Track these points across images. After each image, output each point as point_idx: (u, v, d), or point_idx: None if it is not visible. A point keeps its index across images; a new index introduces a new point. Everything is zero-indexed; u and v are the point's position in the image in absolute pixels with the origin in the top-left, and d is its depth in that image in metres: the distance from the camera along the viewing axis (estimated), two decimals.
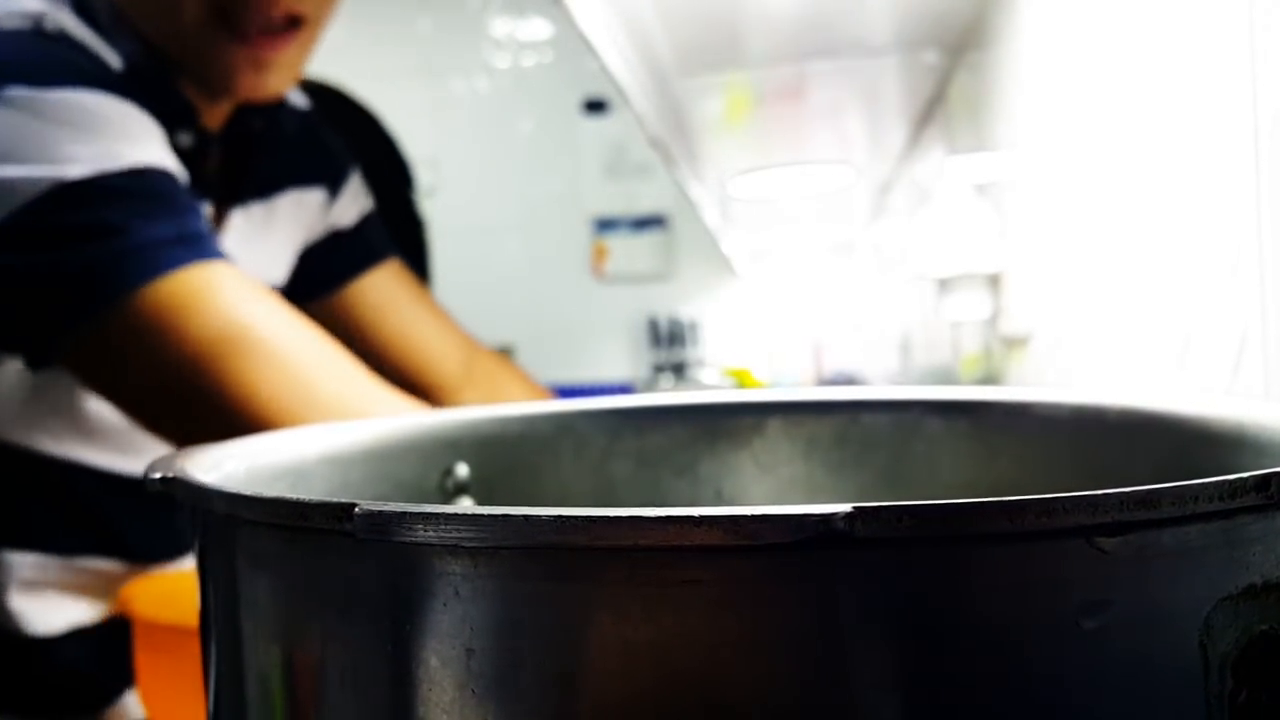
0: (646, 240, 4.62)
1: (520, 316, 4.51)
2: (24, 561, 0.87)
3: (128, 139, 0.74)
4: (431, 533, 0.22)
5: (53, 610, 0.88)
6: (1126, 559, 0.21)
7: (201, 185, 0.87)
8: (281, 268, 1.01)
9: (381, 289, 1.07)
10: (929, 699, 0.21)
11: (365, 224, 1.08)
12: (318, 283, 1.04)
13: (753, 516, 0.20)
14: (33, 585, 0.87)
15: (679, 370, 4.50)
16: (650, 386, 4.25)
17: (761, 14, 1.44)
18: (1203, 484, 0.21)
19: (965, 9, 1.48)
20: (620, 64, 1.39)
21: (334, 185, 1.05)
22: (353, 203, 1.07)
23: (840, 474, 0.52)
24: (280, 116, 0.97)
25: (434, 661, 0.22)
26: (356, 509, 0.22)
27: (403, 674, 0.23)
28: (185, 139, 0.85)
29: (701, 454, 0.53)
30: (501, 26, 4.45)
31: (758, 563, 0.21)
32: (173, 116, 0.83)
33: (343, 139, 1.11)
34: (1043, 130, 1.25)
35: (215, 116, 0.90)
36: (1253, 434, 0.35)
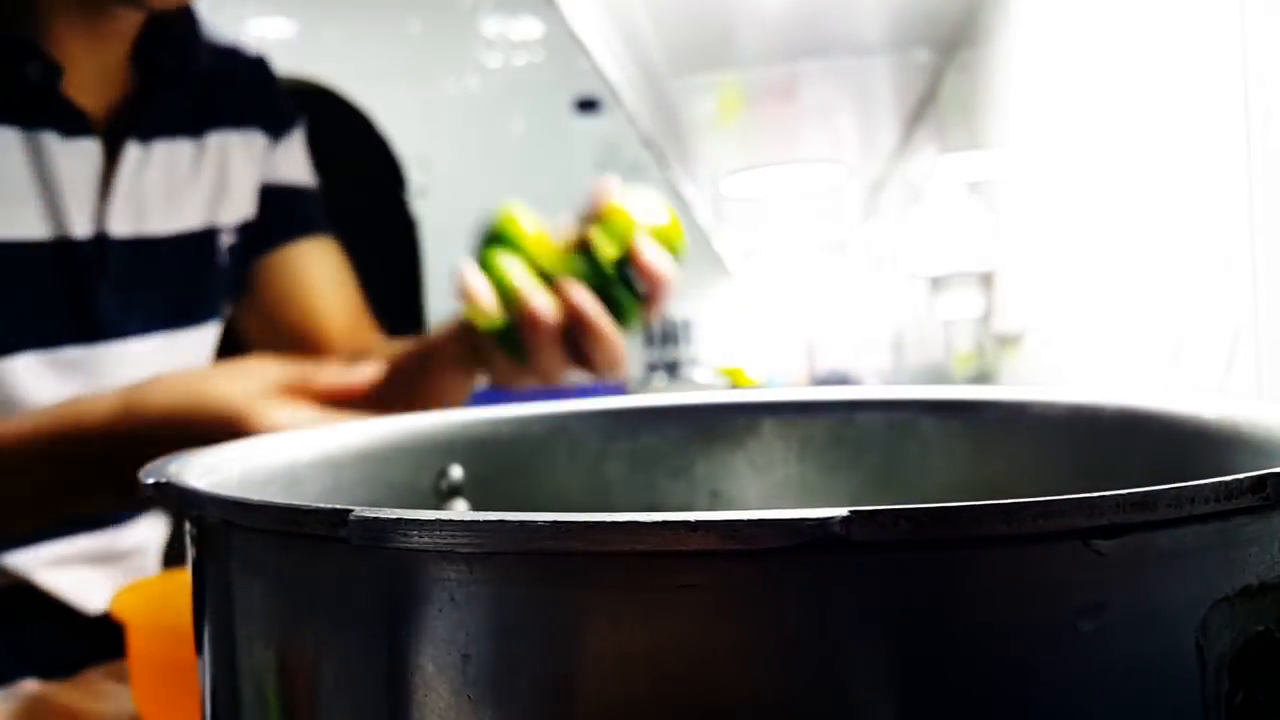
0: None
1: None
2: None
3: None
4: (426, 538, 0.21)
5: None
6: (1123, 561, 0.21)
7: (69, 122, 0.83)
8: (241, 205, 0.97)
9: (307, 265, 1.02)
10: (926, 703, 0.21)
11: (304, 193, 1.03)
12: (252, 246, 1.00)
13: (748, 521, 0.20)
14: None
15: (672, 369, 4.51)
16: (644, 385, 4.25)
17: (753, 14, 1.45)
18: (1199, 485, 0.21)
19: (956, 8, 1.49)
20: (612, 63, 1.39)
21: (274, 133, 0.99)
22: (294, 164, 1.02)
23: (834, 474, 0.52)
24: (199, 54, 0.92)
25: (429, 667, 0.22)
26: (351, 515, 0.22)
27: (398, 680, 0.23)
28: (36, 70, 0.80)
29: (696, 455, 0.53)
30: (493, 26, 4.44)
31: (754, 567, 0.21)
32: (12, 47, 0.79)
33: (331, 138, 1.10)
34: (1034, 129, 1.25)
35: (77, 44, 0.83)
36: (1248, 433, 0.35)
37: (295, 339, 1.00)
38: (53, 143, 0.82)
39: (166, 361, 0.89)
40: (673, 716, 0.21)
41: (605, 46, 1.35)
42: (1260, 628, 0.22)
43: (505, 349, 0.76)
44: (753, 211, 3.14)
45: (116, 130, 0.87)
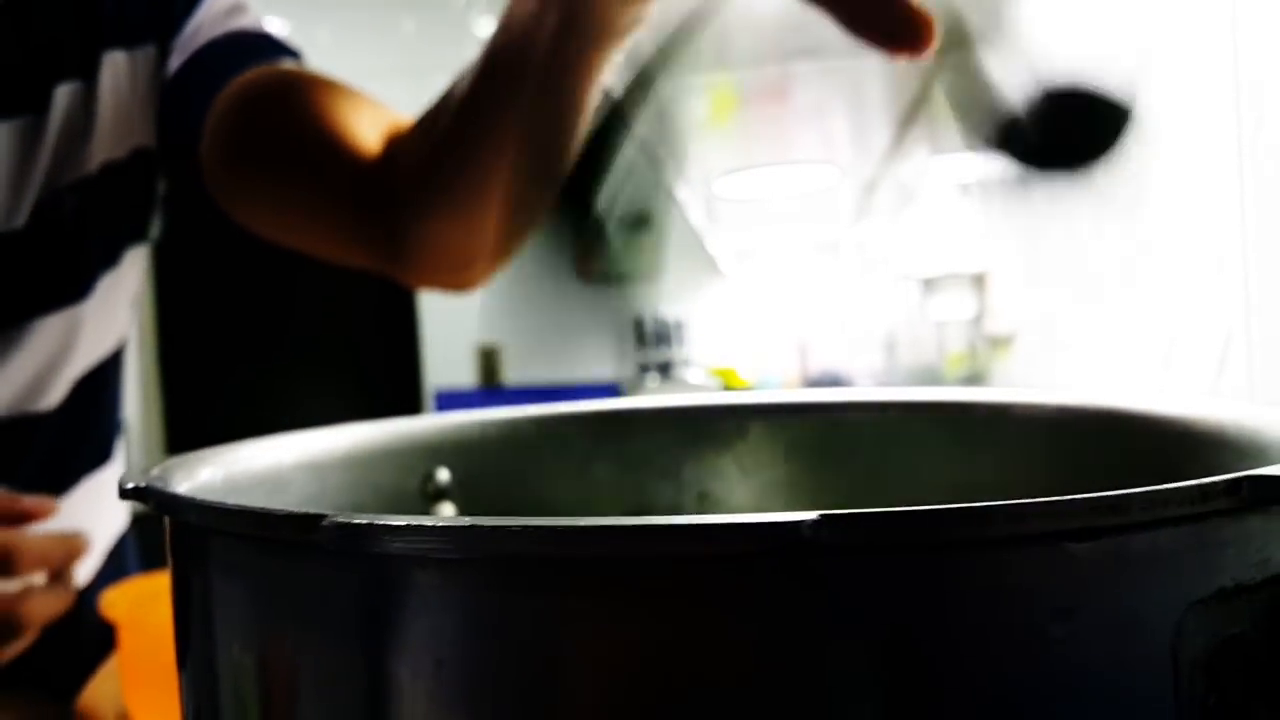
0: (632, 240, 4.61)
1: (506, 316, 4.50)
2: None
3: None
4: (401, 544, 0.21)
5: None
6: (1096, 564, 0.21)
7: None
8: (107, 145, 0.79)
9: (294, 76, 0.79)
10: (900, 707, 0.21)
11: (244, 35, 0.82)
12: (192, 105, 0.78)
13: (721, 526, 0.20)
14: None
15: (665, 370, 4.51)
16: (636, 386, 4.25)
17: (745, 15, 1.45)
18: (1173, 488, 0.21)
19: (950, 9, 1.49)
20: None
21: (164, 38, 0.80)
22: (213, 25, 0.81)
23: (823, 476, 0.52)
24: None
25: (405, 673, 0.22)
26: (324, 520, 0.22)
27: (374, 686, 0.23)
28: None
29: (684, 457, 0.53)
30: (486, 26, 4.43)
31: (728, 572, 0.21)
32: None
33: None
34: None
35: None
36: (1233, 435, 0.35)
37: (310, 159, 0.74)
38: None
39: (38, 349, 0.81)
40: None
41: None
42: (1235, 630, 0.22)
43: None
44: (745, 212, 3.14)
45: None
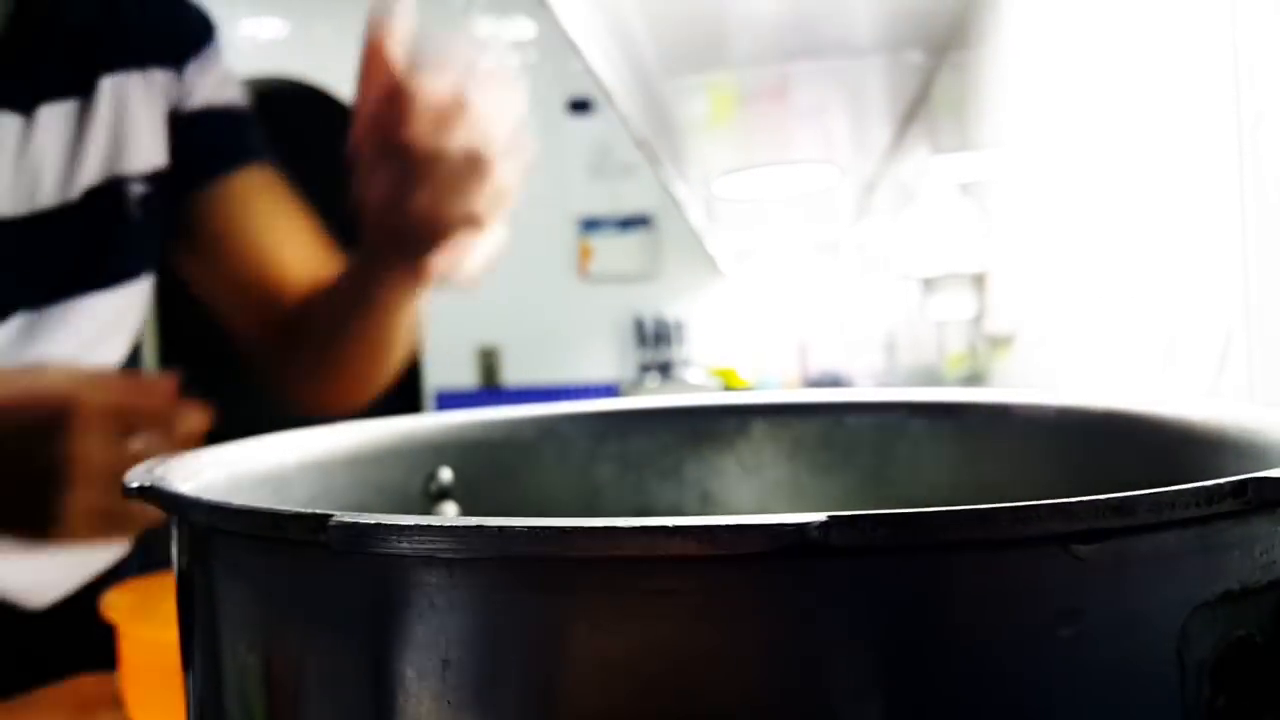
0: (632, 240, 4.62)
1: (506, 317, 4.50)
2: None
3: None
4: (407, 544, 0.21)
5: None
6: (1103, 566, 0.21)
7: None
8: (147, 153, 0.88)
9: (239, 200, 0.93)
10: (905, 708, 0.21)
11: (231, 118, 0.94)
12: (182, 174, 0.91)
13: (727, 527, 0.20)
14: None
15: (665, 370, 4.51)
16: (636, 386, 4.25)
17: (746, 15, 1.45)
18: (1179, 490, 0.21)
19: (948, 10, 1.49)
20: (605, 64, 1.39)
21: (178, 61, 0.90)
22: (211, 86, 0.92)
23: (825, 476, 0.52)
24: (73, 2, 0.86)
25: (410, 673, 0.22)
26: (331, 520, 0.22)
27: (380, 685, 0.23)
28: None
29: (686, 457, 0.53)
30: (485, 26, 4.44)
31: (733, 572, 0.21)
32: None
33: (323, 138, 1.05)
34: (1027, 130, 1.25)
35: None
36: (1234, 436, 0.35)
37: (245, 281, 0.92)
38: None
39: (85, 330, 0.85)
40: None
41: (598, 47, 1.35)
42: (1241, 632, 0.22)
43: None
44: (745, 212, 3.14)
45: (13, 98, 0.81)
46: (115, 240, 0.88)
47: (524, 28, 4.46)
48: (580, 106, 4.49)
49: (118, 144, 0.86)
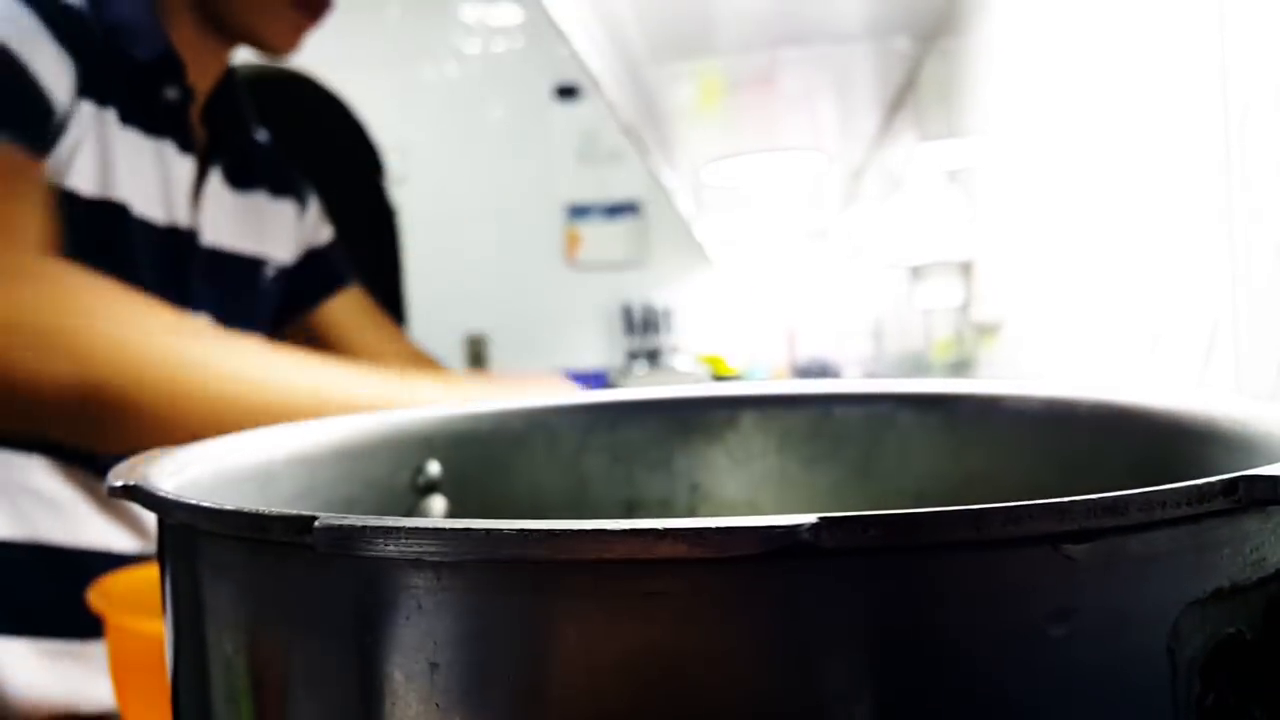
0: (620, 227, 4.61)
1: (493, 305, 4.50)
2: None
3: None
4: (393, 546, 0.21)
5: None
6: (1094, 565, 0.21)
7: (185, 139, 0.96)
8: (280, 251, 1.09)
9: (348, 311, 1.15)
10: (897, 708, 0.21)
11: (333, 248, 1.16)
12: (294, 301, 1.12)
13: (717, 529, 0.20)
14: None
15: (653, 357, 4.51)
16: (624, 374, 4.25)
17: (733, 1, 1.44)
18: (1170, 489, 0.21)
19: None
20: (591, 50, 1.39)
21: (302, 202, 1.12)
22: (319, 226, 1.15)
23: (813, 467, 0.52)
24: (249, 118, 1.06)
25: (398, 675, 0.22)
26: (316, 522, 0.22)
27: (367, 688, 0.23)
28: (172, 93, 0.93)
29: (675, 449, 0.53)
30: (471, 12, 4.42)
31: (723, 574, 0.21)
32: (161, 69, 0.92)
33: (309, 125, 1.14)
34: (1014, 117, 1.25)
35: (204, 78, 0.97)
36: (1223, 428, 0.35)
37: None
38: (169, 151, 0.94)
39: None
40: None
41: (585, 33, 1.35)
42: (1232, 630, 0.22)
43: None
44: (733, 199, 3.14)
45: (203, 157, 1.00)
46: (253, 303, 1.06)
47: (510, 13, 4.44)
48: (567, 93, 4.47)
49: (261, 234, 1.07)
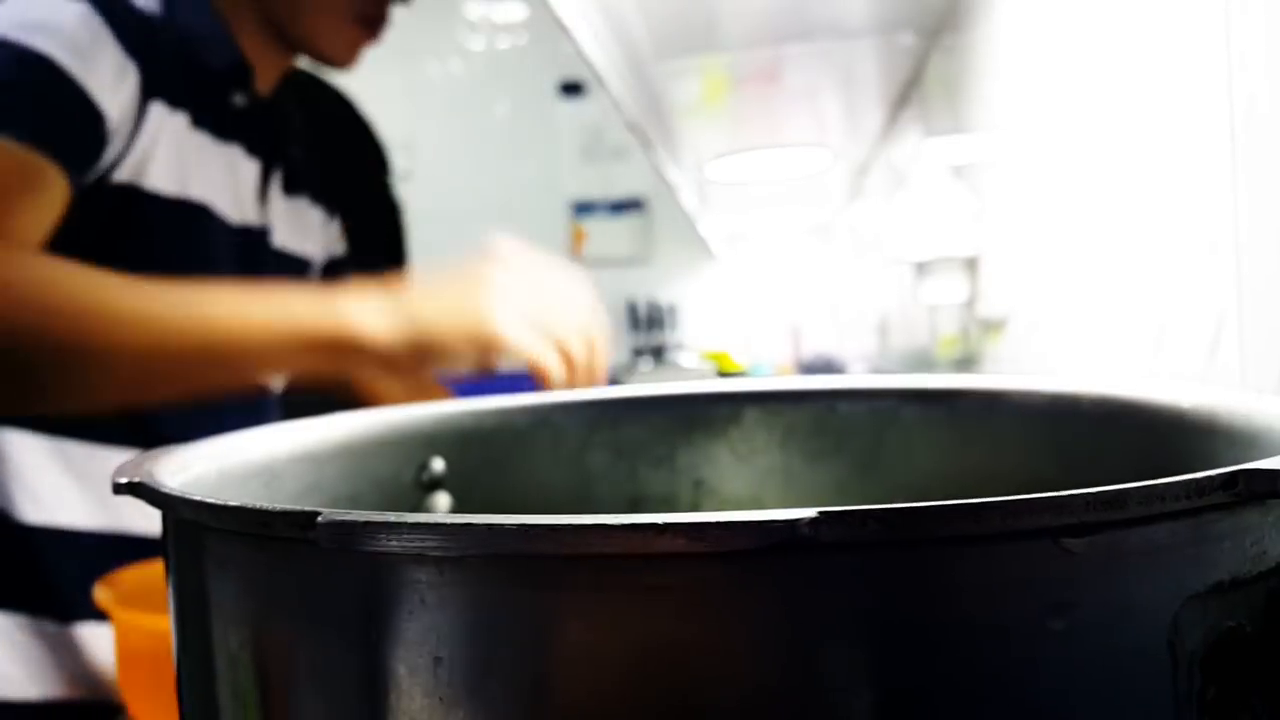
0: (624, 223, 4.61)
1: None
2: None
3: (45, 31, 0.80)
4: (396, 542, 0.21)
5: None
6: (1094, 559, 0.21)
7: (251, 143, 0.99)
8: (317, 252, 1.12)
9: None
10: (898, 702, 0.21)
11: (346, 262, 1.19)
12: None
13: (718, 523, 0.20)
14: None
15: (658, 354, 4.51)
16: (629, 370, 4.24)
17: None
18: (1170, 483, 0.21)
19: None
20: (596, 47, 1.39)
21: (329, 212, 1.16)
22: (339, 238, 1.18)
23: (817, 463, 0.52)
24: (299, 126, 1.10)
25: (402, 670, 0.22)
26: (320, 517, 0.22)
27: (371, 682, 0.23)
28: (240, 99, 0.96)
29: (679, 444, 0.53)
30: (476, 9, 4.42)
31: (724, 569, 0.21)
32: (231, 76, 0.95)
33: (315, 122, 1.15)
34: (1019, 113, 1.25)
35: (265, 85, 1.01)
36: (1226, 422, 0.35)
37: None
38: (237, 155, 0.97)
39: None
40: (644, 718, 0.21)
41: (589, 30, 1.35)
42: (1232, 623, 0.22)
43: None
44: (737, 195, 3.14)
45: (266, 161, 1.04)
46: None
47: (515, 10, 4.44)
48: (572, 89, 4.47)
49: (305, 235, 1.11)
